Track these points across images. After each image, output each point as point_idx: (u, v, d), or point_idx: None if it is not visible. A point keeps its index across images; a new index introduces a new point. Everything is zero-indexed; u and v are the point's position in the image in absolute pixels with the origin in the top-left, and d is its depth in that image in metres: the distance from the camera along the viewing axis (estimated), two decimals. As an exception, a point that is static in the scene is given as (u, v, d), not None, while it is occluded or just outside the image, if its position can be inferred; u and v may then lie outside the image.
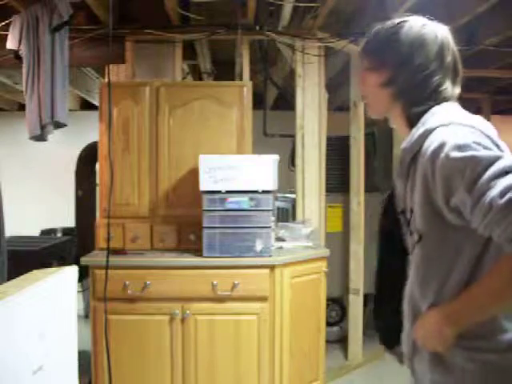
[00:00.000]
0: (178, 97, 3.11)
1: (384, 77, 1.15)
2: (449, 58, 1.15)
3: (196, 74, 4.74)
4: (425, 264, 1.13)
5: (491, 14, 3.20)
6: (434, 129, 1.07)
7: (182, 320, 2.76)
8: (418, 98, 1.14)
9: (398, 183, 1.18)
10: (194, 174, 2.97)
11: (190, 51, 3.85)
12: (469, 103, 5.97)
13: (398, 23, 1.18)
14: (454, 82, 1.17)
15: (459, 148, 0.99)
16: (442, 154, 1.00)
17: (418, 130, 1.10)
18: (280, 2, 3.09)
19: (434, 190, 1.03)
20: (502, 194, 0.93)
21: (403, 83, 1.14)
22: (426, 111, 1.13)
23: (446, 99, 1.15)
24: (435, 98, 1.14)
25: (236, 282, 2.75)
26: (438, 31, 1.17)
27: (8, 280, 1.59)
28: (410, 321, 1.20)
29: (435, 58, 1.14)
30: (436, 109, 1.13)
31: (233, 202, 2.83)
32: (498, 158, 0.97)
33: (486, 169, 0.96)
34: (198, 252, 2.90)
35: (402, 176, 1.15)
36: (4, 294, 1.21)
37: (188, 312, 2.75)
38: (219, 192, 2.83)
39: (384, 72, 1.15)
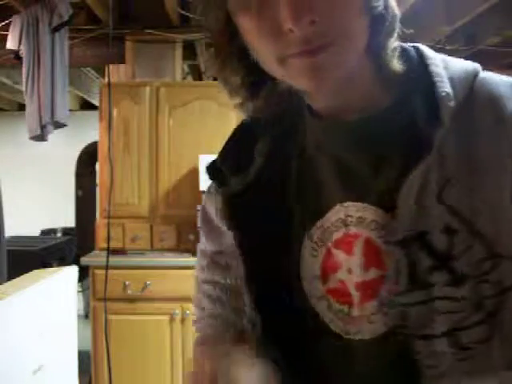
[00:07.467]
0: (178, 97, 3.11)
1: None
2: None
3: (196, 74, 4.74)
4: None
5: (491, 14, 3.20)
6: (479, 71, 0.63)
7: (182, 320, 2.76)
8: (392, 28, 0.58)
9: (408, 185, 0.57)
10: (194, 173, 2.97)
11: (190, 51, 3.84)
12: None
13: None
14: None
15: None
16: None
17: (438, 68, 0.60)
18: (280, 2, 3.09)
19: None
20: None
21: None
22: (406, 48, 0.64)
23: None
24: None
25: (236, 282, 2.75)
26: None
27: (8, 280, 1.59)
28: None
29: None
30: (425, 46, 0.65)
31: (233, 201, 2.83)
32: None
33: None
34: (197, 252, 2.90)
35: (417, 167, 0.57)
36: (4, 293, 1.21)
37: (188, 312, 2.75)
38: (219, 192, 2.82)
39: None
